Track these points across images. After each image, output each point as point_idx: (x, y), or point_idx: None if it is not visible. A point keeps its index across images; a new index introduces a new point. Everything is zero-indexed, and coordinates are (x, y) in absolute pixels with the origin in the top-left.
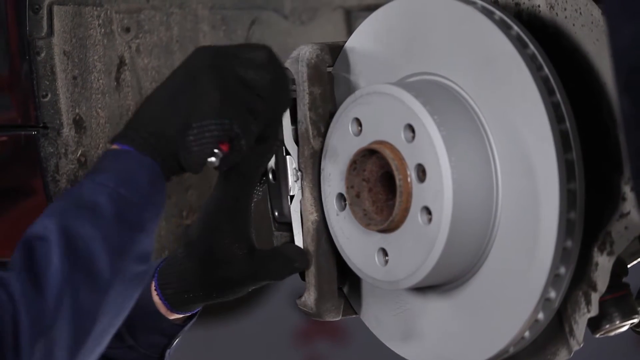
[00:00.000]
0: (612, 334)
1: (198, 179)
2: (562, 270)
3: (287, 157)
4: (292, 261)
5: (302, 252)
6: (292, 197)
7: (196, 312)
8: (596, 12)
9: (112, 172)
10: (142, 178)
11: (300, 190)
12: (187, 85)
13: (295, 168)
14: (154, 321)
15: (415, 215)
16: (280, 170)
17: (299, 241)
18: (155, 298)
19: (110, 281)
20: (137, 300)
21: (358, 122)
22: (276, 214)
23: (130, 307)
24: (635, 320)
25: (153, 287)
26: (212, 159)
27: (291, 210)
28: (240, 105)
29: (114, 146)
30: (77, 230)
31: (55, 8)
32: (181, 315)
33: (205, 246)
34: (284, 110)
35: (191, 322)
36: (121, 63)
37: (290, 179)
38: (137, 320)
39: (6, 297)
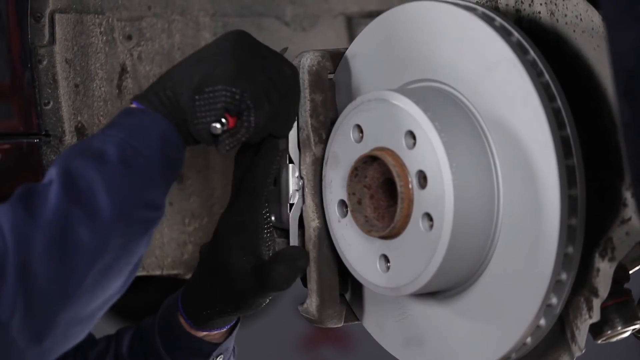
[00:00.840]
0: (614, 339)
1: (200, 186)
2: (564, 276)
3: (290, 165)
4: (293, 260)
5: (302, 250)
6: (291, 205)
7: (230, 328)
8: (597, 18)
9: (123, 125)
10: (153, 132)
11: (300, 199)
12: (209, 54)
13: (297, 176)
14: (187, 342)
15: (416, 222)
16: (282, 177)
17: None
18: (181, 319)
19: (112, 221)
20: (168, 323)
21: (359, 128)
22: (273, 218)
23: (137, 253)
24: (637, 326)
25: (179, 310)
26: (217, 124)
27: (290, 218)
28: (256, 80)
29: (132, 105)
30: (79, 171)
31: (57, 16)
32: (213, 333)
33: (215, 262)
34: (294, 114)
35: (229, 338)
36: (123, 71)
37: (292, 187)
38: (173, 343)
39: None
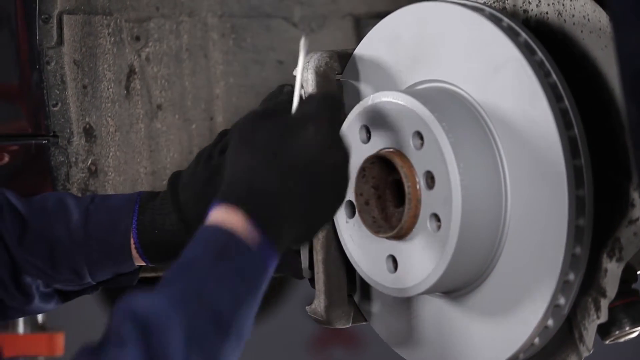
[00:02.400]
0: (622, 340)
1: None
2: (571, 276)
3: None
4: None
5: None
6: None
7: None
8: (604, 18)
9: (238, 269)
10: (264, 281)
11: None
12: (316, 190)
13: None
14: (122, 268)
15: (424, 222)
16: None
17: (305, 250)
18: (135, 254)
19: None
20: (108, 246)
21: (367, 129)
22: None
23: None
24: None
25: (133, 244)
26: None
27: None
28: None
29: (243, 223)
30: (200, 338)
31: (65, 17)
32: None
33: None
34: None
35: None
36: (131, 72)
37: None
38: (106, 266)
39: None
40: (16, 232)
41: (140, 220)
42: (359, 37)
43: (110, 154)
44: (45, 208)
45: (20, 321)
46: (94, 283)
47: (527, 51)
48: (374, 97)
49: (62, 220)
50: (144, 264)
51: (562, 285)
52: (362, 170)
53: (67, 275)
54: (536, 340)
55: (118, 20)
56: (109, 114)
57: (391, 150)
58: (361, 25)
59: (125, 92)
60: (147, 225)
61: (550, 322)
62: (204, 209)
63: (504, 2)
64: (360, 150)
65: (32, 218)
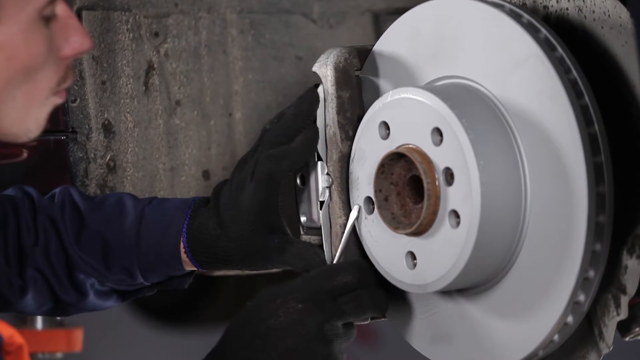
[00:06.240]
0: None
1: None
2: (591, 273)
3: (319, 162)
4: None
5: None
6: (322, 202)
7: None
8: (625, 14)
9: None
10: None
11: (329, 195)
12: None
13: (327, 174)
14: (173, 270)
15: (443, 219)
16: (311, 175)
17: (327, 246)
18: (185, 257)
19: None
20: (158, 248)
21: (386, 125)
22: (304, 219)
23: None
24: None
25: (182, 249)
26: None
27: (321, 216)
28: None
29: None
30: None
31: (84, 13)
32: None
33: (241, 235)
34: None
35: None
36: (150, 68)
37: (321, 184)
38: (158, 269)
39: None
40: (74, 229)
41: (190, 225)
42: (378, 33)
43: (129, 150)
44: (103, 207)
45: (39, 317)
46: (148, 284)
47: (547, 47)
48: (393, 93)
49: (117, 221)
50: (195, 268)
51: (582, 282)
52: (382, 166)
53: (119, 275)
54: (556, 337)
55: (137, 17)
56: (128, 110)
57: (410, 146)
58: (380, 22)
59: (144, 88)
60: (195, 229)
61: (570, 319)
62: (235, 214)
63: None
64: (379, 147)
65: (90, 217)
